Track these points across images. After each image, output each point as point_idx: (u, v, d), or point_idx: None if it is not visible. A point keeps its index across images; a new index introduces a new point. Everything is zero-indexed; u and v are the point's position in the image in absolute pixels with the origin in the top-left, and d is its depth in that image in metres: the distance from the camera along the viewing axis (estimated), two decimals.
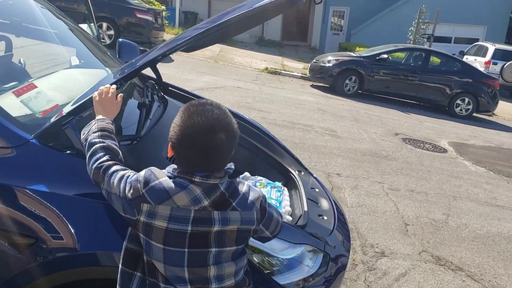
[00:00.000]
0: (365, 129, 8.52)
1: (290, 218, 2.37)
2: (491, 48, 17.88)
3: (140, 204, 1.33)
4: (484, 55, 18.02)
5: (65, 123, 1.76)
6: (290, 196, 2.69)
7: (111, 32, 11.87)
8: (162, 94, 2.99)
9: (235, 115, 3.28)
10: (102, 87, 1.69)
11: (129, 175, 1.41)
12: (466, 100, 12.15)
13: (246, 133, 3.26)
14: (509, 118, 13.98)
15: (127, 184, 1.37)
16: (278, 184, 2.72)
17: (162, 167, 1.96)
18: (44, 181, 1.64)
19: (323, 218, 2.43)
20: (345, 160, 6.40)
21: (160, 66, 3.04)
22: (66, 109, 1.84)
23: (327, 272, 2.04)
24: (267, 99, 9.51)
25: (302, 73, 14.22)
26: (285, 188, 2.74)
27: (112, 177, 1.41)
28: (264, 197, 1.49)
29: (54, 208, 1.62)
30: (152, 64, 2.19)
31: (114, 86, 1.70)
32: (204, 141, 1.32)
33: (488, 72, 15.20)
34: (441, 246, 4.33)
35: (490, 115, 13.63)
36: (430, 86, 12.15)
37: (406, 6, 20.63)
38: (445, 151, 8.04)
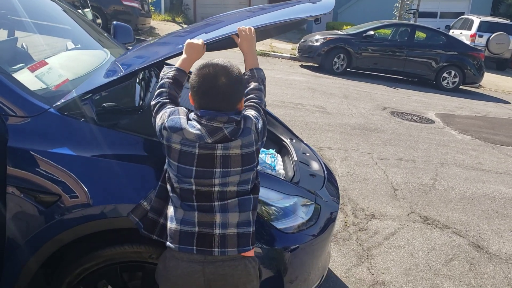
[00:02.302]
0: (355, 104, 8.74)
1: (283, 178, 2.58)
2: (477, 20, 18.07)
3: (162, 130, 1.70)
4: (469, 28, 18.21)
5: (85, 100, 1.96)
6: (284, 161, 2.90)
7: (99, 21, 11.91)
8: (158, 71, 3.17)
9: None
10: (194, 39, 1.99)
11: (166, 110, 1.76)
12: (453, 73, 12.38)
13: None
14: (495, 89, 14.26)
15: (160, 115, 1.75)
16: (272, 151, 2.93)
17: None
18: (62, 145, 1.84)
19: (314, 177, 2.65)
20: (335, 134, 6.62)
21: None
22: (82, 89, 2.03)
23: (319, 221, 2.26)
24: None
25: (291, 54, 14.37)
26: (278, 155, 2.95)
27: (160, 110, 1.79)
28: (256, 118, 1.78)
29: (71, 168, 1.82)
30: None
31: (202, 40, 1.99)
32: (209, 83, 1.69)
33: (474, 45, 15.44)
34: (428, 207, 4.59)
35: (477, 87, 13.90)
36: (416, 60, 12.36)
37: None
38: (432, 122, 8.29)
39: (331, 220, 2.41)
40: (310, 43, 12.51)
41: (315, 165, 2.85)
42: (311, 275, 2.26)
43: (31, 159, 1.80)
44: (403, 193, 4.84)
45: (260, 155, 2.86)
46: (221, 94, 1.69)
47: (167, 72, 1.93)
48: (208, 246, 1.66)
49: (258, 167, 2.63)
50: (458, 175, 5.63)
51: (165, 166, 1.78)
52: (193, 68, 1.81)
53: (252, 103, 1.87)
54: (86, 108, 1.95)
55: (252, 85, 1.95)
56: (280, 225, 2.06)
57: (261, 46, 15.18)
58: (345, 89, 10.20)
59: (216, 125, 1.67)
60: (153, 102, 1.86)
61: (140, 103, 2.42)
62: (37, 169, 1.80)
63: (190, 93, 1.76)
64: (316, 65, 12.64)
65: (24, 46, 3.02)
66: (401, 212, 4.37)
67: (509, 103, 12.00)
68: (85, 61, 2.66)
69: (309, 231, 2.20)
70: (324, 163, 2.92)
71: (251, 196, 1.75)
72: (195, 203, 1.68)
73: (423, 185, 5.14)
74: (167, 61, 2.80)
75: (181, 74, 1.93)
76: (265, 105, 1.94)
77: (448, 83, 12.46)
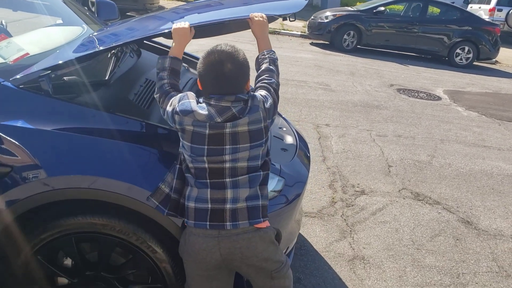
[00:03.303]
0: (360, 82, 8.61)
1: None
2: None
3: (174, 115, 1.79)
4: (488, 2, 17.67)
5: (42, 76, 1.98)
6: None
7: None
8: (137, 47, 3.17)
9: None
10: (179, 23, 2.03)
11: (174, 97, 1.85)
12: (466, 48, 12.05)
13: None
14: None
15: (170, 102, 1.84)
16: None
17: (127, 109, 2.19)
18: (16, 118, 1.87)
19: (285, 151, 2.64)
20: (335, 111, 6.55)
21: None
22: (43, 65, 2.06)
23: (282, 193, 2.27)
24: None
25: (301, 32, 14.18)
26: None
27: (166, 99, 1.88)
28: (264, 97, 1.86)
29: (24, 140, 1.86)
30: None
31: (188, 24, 2.03)
32: (217, 71, 1.77)
33: (492, 20, 14.98)
34: (422, 184, 4.53)
35: (493, 63, 13.53)
36: (429, 36, 12.06)
37: None
38: (439, 99, 8.13)
39: (297, 192, 2.41)
40: (319, 20, 12.32)
41: (289, 139, 2.83)
42: None
43: None
44: (397, 169, 4.79)
45: None
46: (228, 79, 1.77)
47: (161, 64, 1.99)
48: (220, 220, 1.77)
49: None
50: (458, 152, 5.53)
51: (180, 149, 1.86)
52: (200, 55, 1.88)
53: (264, 84, 1.96)
54: (42, 82, 1.97)
55: (264, 66, 2.03)
56: None
57: (271, 24, 14.99)
58: (353, 66, 10.05)
59: (224, 105, 1.76)
60: (156, 95, 1.94)
61: (106, 77, 2.43)
62: None
63: (198, 79, 1.85)
64: (326, 42, 12.47)
65: (3, 23, 3.06)
66: (392, 189, 4.33)
67: None
68: (56, 36, 2.68)
69: (271, 202, 2.20)
70: (298, 137, 2.91)
71: (261, 172, 1.86)
72: (208, 181, 1.79)
73: (419, 161, 5.07)
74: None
75: (176, 62, 1.99)
76: (277, 85, 2.01)
77: (461, 59, 12.15)
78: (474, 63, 12.31)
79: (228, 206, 1.78)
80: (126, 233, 1.94)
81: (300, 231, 3.35)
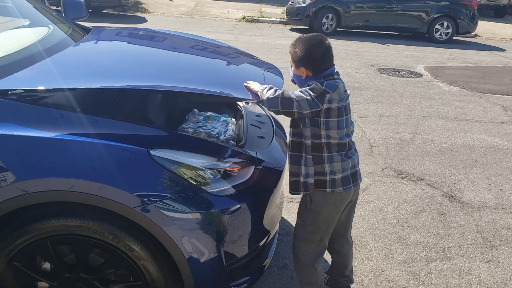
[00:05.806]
0: (340, 64, 8.60)
1: (233, 142, 2.58)
2: None
3: (325, 96, 2.03)
4: None
5: (13, 91, 1.95)
6: (237, 125, 2.88)
7: None
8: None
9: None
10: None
11: (300, 91, 2.06)
12: (445, 24, 12.10)
13: None
14: (492, 37, 13.98)
15: (306, 91, 2.05)
16: (226, 116, 2.91)
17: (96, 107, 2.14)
18: None
19: (262, 138, 2.63)
20: None
21: (134, 25, 3.16)
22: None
23: (260, 181, 2.26)
24: (242, 47, 9.43)
25: (280, 18, 14.13)
26: (233, 120, 2.92)
27: (294, 96, 2.06)
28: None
29: None
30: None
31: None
32: (323, 47, 2.14)
33: None
34: (404, 161, 4.56)
35: (473, 37, 13.61)
36: (407, 14, 12.08)
37: None
38: (420, 75, 8.16)
39: (275, 181, 2.40)
40: (297, 5, 12.29)
41: (265, 127, 2.82)
42: (256, 232, 2.27)
43: None
44: (379, 149, 4.80)
45: (213, 121, 2.86)
46: (331, 52, 2.17)
47: (273, 103, 2.13)
48: (356, 180, 2.29)
49: (202, 134, 2.64)
50: (440, 127, 5.56)
51: (289, 138, 2.23)
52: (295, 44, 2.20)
53: None
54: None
55: None
56: (214, 188, 2.06)
57: (250, 12, 14.93)
58: (333, 49, 9.99)
59: (337, 76, 2.16)
60: (280, 101, 2.08)
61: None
62: None
63: (303, 66, 2.14)
64: (306, 27, 12.43)
65: None
66: (375, 168, 4.35)
67: (504, 50, 11.76)
68: (20, 39, 2.63)
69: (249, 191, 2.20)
70: (275, 124, 2.90)
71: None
72: (345, 152, 2.19)
73: (401, 139, 5.09)
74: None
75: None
76: None
77: (441, 35, 12.20)
78: (454, 37, 12.37)
79: (358, 168, 2.30)
80: (101, 233, 1.91)
81: (285, 217, 3.36)
